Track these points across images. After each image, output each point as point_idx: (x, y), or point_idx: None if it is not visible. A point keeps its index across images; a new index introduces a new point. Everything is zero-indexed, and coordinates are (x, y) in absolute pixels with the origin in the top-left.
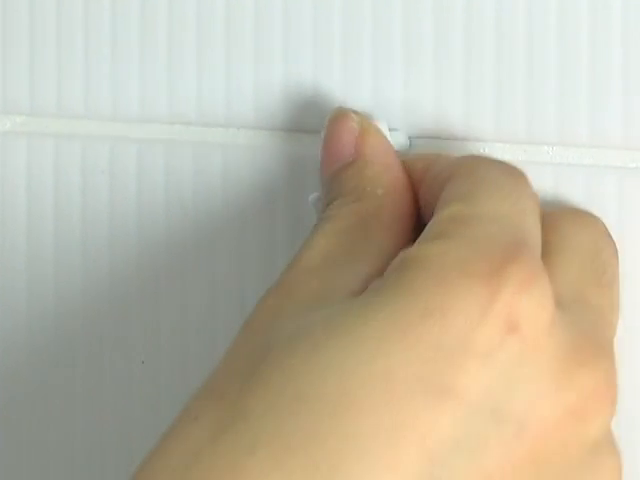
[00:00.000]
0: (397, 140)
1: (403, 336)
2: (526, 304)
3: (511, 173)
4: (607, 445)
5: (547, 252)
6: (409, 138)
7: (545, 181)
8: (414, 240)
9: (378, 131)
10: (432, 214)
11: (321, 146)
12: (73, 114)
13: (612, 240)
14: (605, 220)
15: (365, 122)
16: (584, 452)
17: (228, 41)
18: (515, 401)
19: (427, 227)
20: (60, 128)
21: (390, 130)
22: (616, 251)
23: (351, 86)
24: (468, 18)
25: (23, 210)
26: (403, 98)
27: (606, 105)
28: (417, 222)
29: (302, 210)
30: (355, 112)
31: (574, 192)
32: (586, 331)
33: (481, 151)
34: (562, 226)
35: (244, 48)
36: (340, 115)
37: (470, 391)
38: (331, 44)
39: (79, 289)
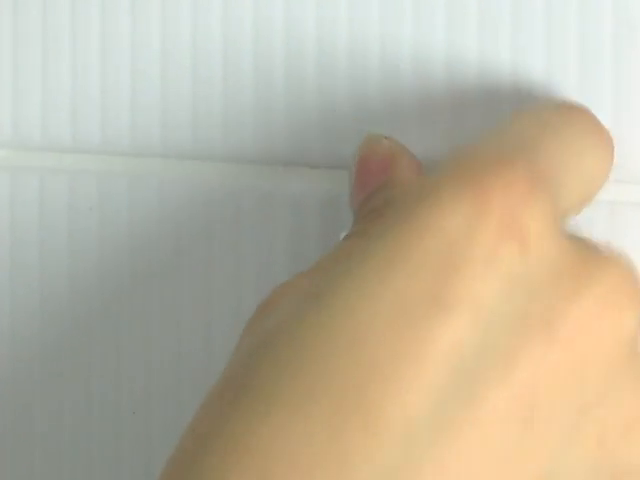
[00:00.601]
0: None
1: (406, 258)
2: (524, 208)
3: None
4: None
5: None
6: None
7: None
8: None
9: (409, 152)
10: None
11: (352, 174)
12: (59, 147)
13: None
14: None
15: (396, 144)
16: (622, 349)
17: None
18: (535, 304)
19: None
20: (45, 161)
21: None
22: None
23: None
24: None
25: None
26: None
27: None
28: None
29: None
30: (386, 137)
31: None
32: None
33: None
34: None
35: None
36: (370, 139)
37: (482, 296)
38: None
39: (67, 327)
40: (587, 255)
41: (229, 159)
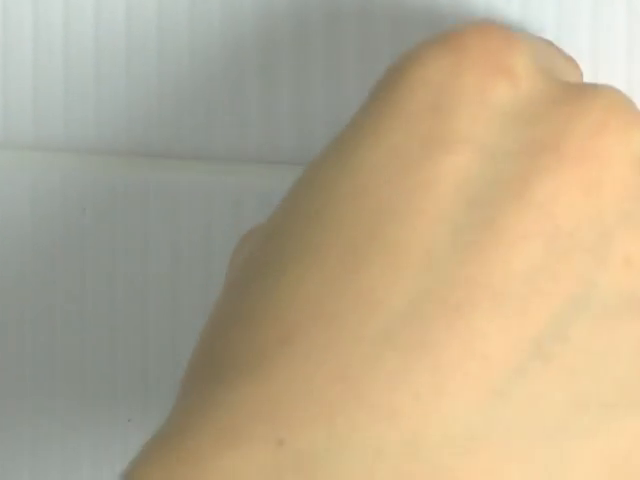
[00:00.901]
0: None
1: (397, 110)
2: (512, 52)
3: None
4: None
5: None
6: None
7: None
8: None
9: None
10: None
11: None
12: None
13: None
14: None
15: None
16: (634, 168)
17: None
18: (537, 132)
19: None
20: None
21: None
22: None
23: None
24: None
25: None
26: None
27: None
28: None
29: None
30: None
31: None
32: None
33: None
34: None
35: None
36: None
37: (482, 133)
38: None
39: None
40: (579, 86)
41: (231, 158)
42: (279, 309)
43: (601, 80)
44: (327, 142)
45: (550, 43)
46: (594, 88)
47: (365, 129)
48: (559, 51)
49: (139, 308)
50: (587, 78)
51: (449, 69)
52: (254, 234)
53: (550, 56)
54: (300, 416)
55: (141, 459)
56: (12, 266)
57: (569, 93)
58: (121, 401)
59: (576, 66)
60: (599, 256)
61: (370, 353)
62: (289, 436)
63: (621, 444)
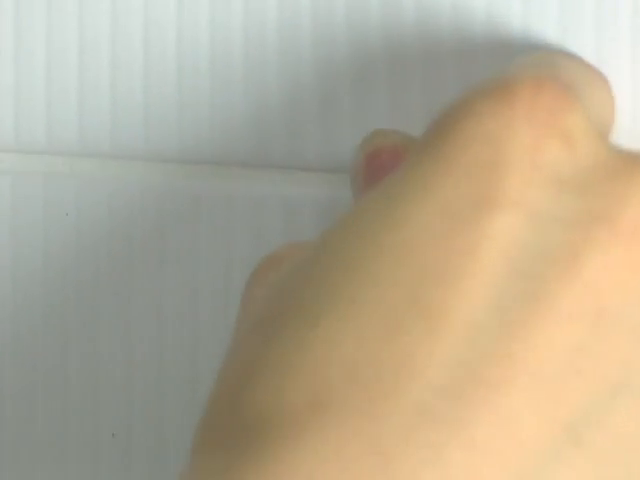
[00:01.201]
0: None
1: (449, 166)
2: (569, 114)
3: None
4: None
5: None
6: None
7: None
8: None
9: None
10: None
11: (358, 171)
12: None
13: None
14: None
15: (406, 135)
16: None
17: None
18: (591, 203)
19: None
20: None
21: None
22: None
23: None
24: None
25: None
26: None
27: None
28: None
29: None
30: (394, 131)
31: None
32: None
33: None
34: None
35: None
36: (377, 134)
37: (534, 198)
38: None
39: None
40: (636, 156)
41: (221, 162)
42: (313, 366)
43: None
44: (373, 189)
45: (583, 64)
46: None
47: (415, 181)
48: (591, 71)
49: (124, 323)
50: None
51: (504, 125)
52: (278, 264)
53: (589, 92)
54: None
55: None
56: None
57: (625, 163)
58: (105, 415)
59: (608, 89)
60: None
61: (405, 425)
62: None
63: None
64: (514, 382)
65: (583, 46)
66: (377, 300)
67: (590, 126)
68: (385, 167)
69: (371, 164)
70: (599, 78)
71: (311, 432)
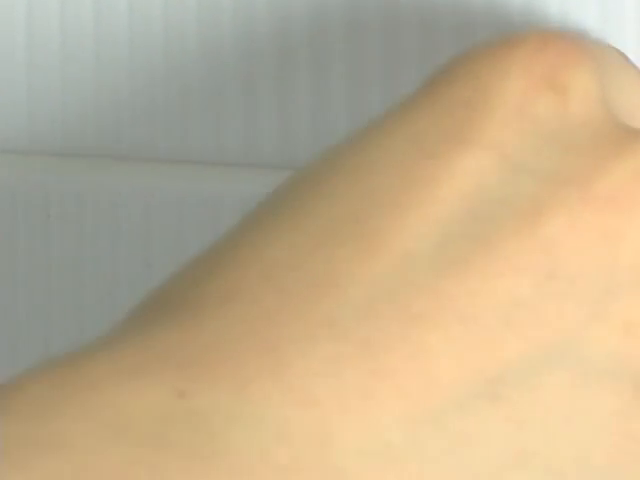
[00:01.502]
0: None
1: (430, 98)
2: (571, 71)
3: None
4: None
5: None
6: None
7: None
8: None
9: None
10: None
11: None
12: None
13: None
14: None
15: None
16: None
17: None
18: (571, 161)
19: None
20: None
21: None
22: None
23: None
24: None
25: None
26: None
27: None
28: None
29: None
30: None
31: None
32: None
33: None
34: None
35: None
36: None
37: (512, 143)
38: None
39: None
40: (632, 129)
41: (215, 163)
42: (236, 264)
43: None
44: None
45: (625, 60)
46: None
47: (395, 114)
48: (627, 62)
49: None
50: None
51: (496, 70)
52: None
53: (621, 77)
54: (212, 373)
55: (36, 368)
56: None
57: (619, 132)
58: None
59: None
60: (595, 312)
61: (308, 335)
62: (192, 390)
63: None
64: (438, 321)
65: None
66: (319, 214)
67: (594, 88)
68: None
69: None
70: (636, 73)
71: (210, 319)
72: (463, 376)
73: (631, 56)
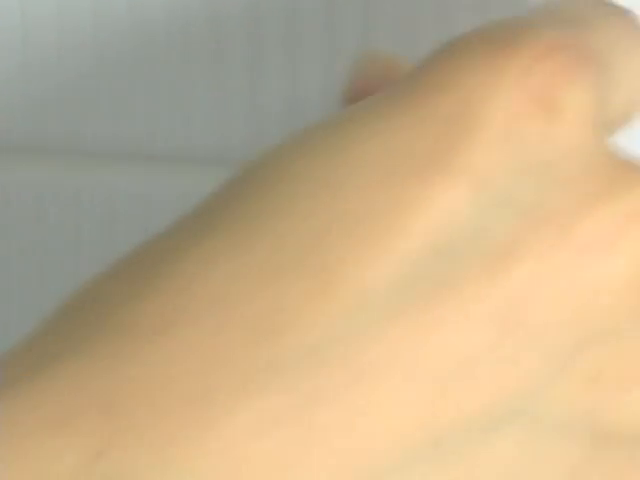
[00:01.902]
0: None
1: (407, 111)
2: (567, 89)
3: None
4: None
5: None
6: None
7: None
8: None
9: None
10: None
11: (346, 94)
12: None
13: None
14: None
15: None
16: None
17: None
18: (554, 197)
19: None
20: None
21: None
22: None
23: None
24: None
25: None
26: None
27: None
28: None
29: None
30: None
31: None
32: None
33: None
34: None
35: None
36: (366, 55)
37: (492, 170)
38: None
39: None
40: (627, 164)
41: (212, 162)
42: (180, 289)
43: None
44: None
45: (626, 23)
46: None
47: (369, 116)
48: (633, 35)
49: None
50: None
51: (485, 82)
52: None
53: (623, 63)
54: (134, 429)
55: None
56: None
57: (611, 166)
58: None
59: None
60: (561, 364)
61: (243, 384)
62: (111, 449)
63: None
64: (383, 373)
65: None
66: (276, 235)
67: (590, 111)
68: (373, 84)
69: (357, 85)
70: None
71: (142, 354)
72: (403, 438)
73: None
